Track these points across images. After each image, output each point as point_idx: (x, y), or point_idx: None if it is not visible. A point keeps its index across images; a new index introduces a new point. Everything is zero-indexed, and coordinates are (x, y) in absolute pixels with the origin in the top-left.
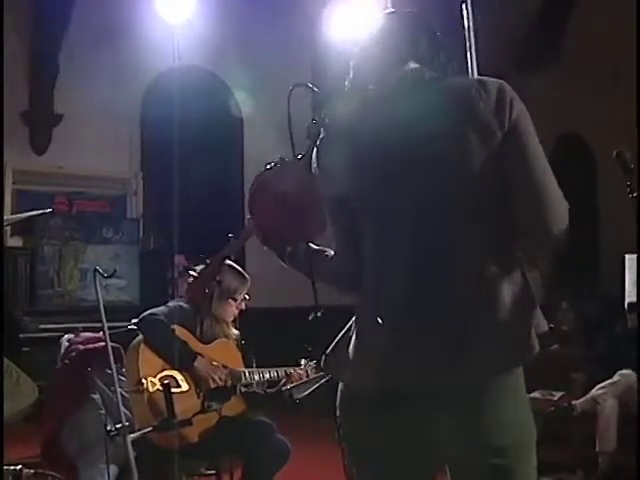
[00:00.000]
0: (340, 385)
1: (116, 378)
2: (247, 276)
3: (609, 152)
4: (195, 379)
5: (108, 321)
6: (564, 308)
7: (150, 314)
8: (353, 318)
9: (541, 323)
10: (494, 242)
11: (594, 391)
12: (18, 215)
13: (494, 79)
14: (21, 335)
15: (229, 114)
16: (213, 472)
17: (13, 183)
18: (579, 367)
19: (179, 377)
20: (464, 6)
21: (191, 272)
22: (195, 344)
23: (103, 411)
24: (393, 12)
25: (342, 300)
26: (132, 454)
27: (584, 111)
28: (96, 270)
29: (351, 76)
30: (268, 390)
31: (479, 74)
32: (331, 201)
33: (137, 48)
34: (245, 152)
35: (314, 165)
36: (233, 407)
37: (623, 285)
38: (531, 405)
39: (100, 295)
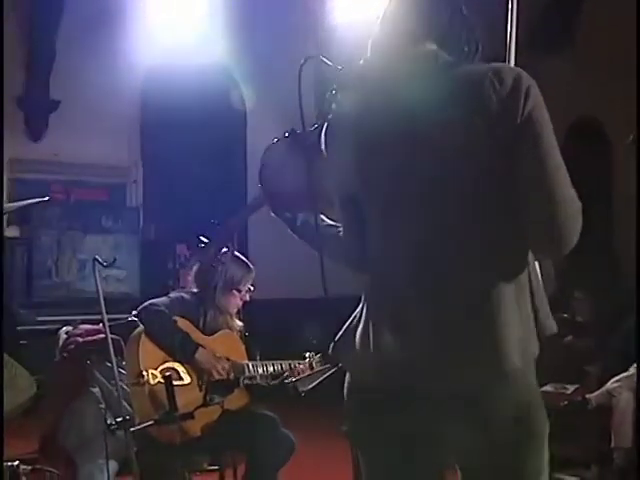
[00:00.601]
0: (347, 375)
1: (116, 371)
2: (252, 266)
3: (625, 137)
4: (197, 371)
5: (107, 313)
6: (578, 298)
7: (151, 304)
8: (361, 305)
9: (548, 325)
10: (500, 239)
11: (609, 384)
12: (14, 204)
13: (511, 67)
14: (18, 328)
15: (231, 100)
16: (216, 467)
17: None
18: (594, 359)
19: (181, 369)
20: None
21: (202, 239)
22: (197, 336)
23: (103, 405)
24: None
25: (350, 290)
26: (133, 449)
27: (599, 95)
28: (95, 259)
29: (368, 55)
30: (272, 383)
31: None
32: (337, 185)
33: (136, 32)
34: (248, 138)
35: (322, 145)
36: (236, 400)
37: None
38: (543, 399)
39: (100, 285)
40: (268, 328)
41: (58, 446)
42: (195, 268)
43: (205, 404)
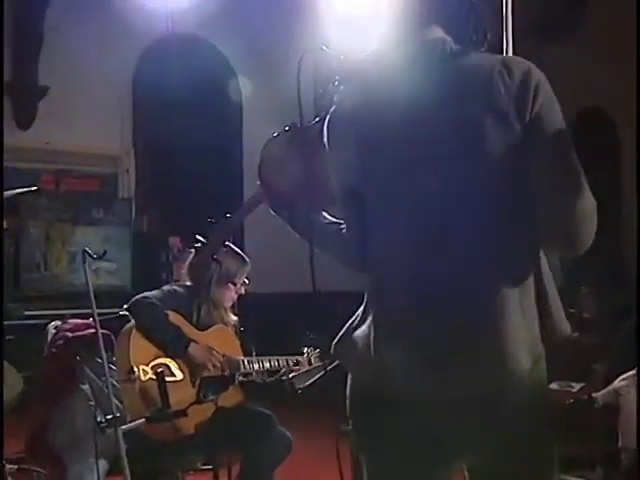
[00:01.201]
0: (349, 377)
1: (107, 367)
2: (247, 259)
3: (634, 126)
4: (190, 367)
5: (98, 307)
6: (585, 293)
7: (142, 297)
8: (363, 304)
9: (562, 327)
10: (506, 240)
11: (616, 382)
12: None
13: (521, 60)
14: (5, 322)
15: (227, 87)
16: (210, 467)
17: None
18: (600, 357)
19: (173, 365)
20: None
21: (199, 238)
22: (190, 331)
23: (93, 402)
24: None
25: (344, 285)
26: (123, 447)
27: (609, 83)
28: (85, 251)
29: (373, 43)
30: (268, 380)
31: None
32: (339, 180)
33: (128, 15)
34: (244, 127)
35: (324, 139)
36: (231, 398)
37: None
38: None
39: (90, 279)
40: (264, 323)
41: (46, 445)
42: (189, 261)
43: (199, 401)
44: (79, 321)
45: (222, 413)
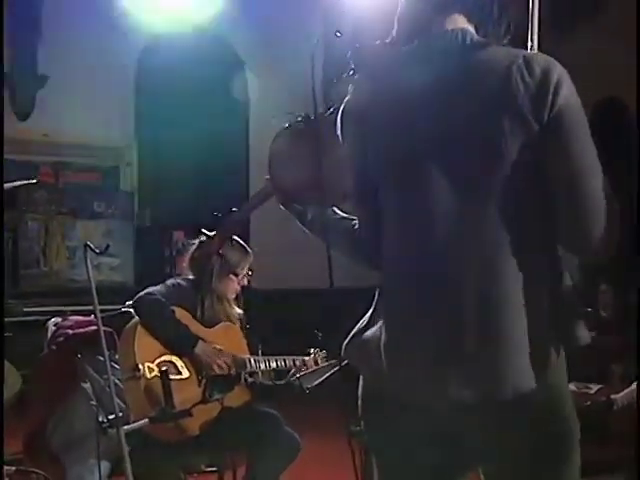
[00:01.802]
0: (361, 379)
1: (109, 365)
2: (249, 249)
3: None
4: (196, 366)
5: (99, 303)
6: (604, 291)
7: (147, 294)
8: (373, 305)
9: (580, 335)
10: (522, 241)
11: (636, 384)
12: None
13: (543, 57)
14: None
15: (233, 77)
16: (214, 469)
17: None
18: (619, 357)
19: (179, 363)
20: None
21: (205, 232)
22: (197, 328)
23: (94, 402)
24: None
25: (358, 283)
26: (126, 448)
27: (627, 72)
28: (87, 246)
29: (393, 29)
30: (275, 380)
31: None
32: (352, 175)
33: (132, 3)
34: (251, 118)
35: (338, 129)
36: (236, 397)
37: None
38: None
39: (91, 274)
40: (271, 320)
41: (45, 446)
42: (190, 253)
43: (204, 400)
44: (80, 318)
45: (228, 413)
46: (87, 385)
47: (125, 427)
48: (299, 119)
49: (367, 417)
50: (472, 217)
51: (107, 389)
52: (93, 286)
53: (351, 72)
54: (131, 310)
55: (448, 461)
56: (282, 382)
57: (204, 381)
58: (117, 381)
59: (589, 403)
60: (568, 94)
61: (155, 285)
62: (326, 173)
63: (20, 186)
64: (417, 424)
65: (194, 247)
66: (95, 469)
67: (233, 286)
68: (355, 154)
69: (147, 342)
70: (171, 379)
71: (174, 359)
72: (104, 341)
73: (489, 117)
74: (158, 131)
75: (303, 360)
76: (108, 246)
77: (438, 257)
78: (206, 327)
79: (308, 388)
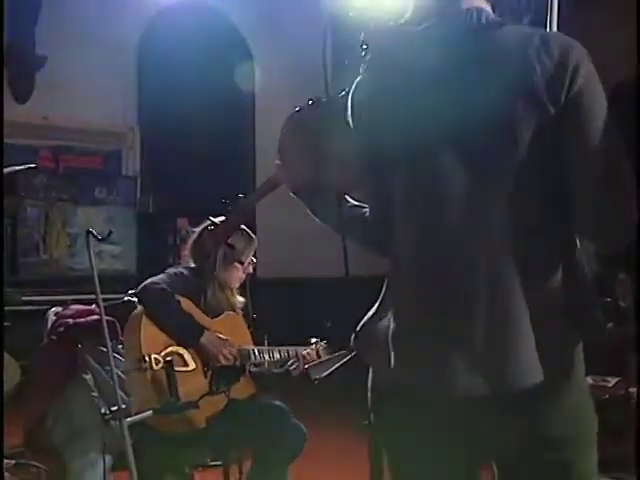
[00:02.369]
0: (370, 370)
1: (111, 356)
2: (253, 236)
3: None
4: (202, 357)
5: (101, 292)
6: (622, 280)
7: (152, 283)
8: (382, 294)
9: (598, 326)
10: (537, 229)
11: None
12: None
13: (561, 36)
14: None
15: (238, 58)
16: (219, 463)
17: None
18: (638, 349)
19: (185, 354)
20: None
21: (212, 220)
22: (201, 318)
23: (95, 393)
24: None
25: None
26: (129, 442)
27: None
28: (89, 232)
29: (408, 8)
30: (279, 371)
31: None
32: (363, 160)
33: None
34: (257, 100)
35: (348, 111)
36: (242, 389)
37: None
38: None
39: (93, 261)
40: (276, 309)
41: (45, 439)
42: (192, 240)
43: (211, 392)
44: (81, 307)
45: (234, 405)
46: (88, 376)
47: (128, 419)
48: (310, 102)
49: (377, 410)
50: (485, 202)
51: (109, 380)
52: (95, 274)
53: (363, 53)
54: (134, 299)
55: (460, 454)
56: (280, 371)
57: (210, 372)
58: (120, 372)
59: (607, 397)
60: (587, 76)
61: (158, 274)
62: (338, 158)
63: (19, 171)
64: (428, 416)
65: (196, 235)
66: (96, 463)
67: (238, 274)
68: (366, 138)
69: (153, 333)
70: (177, 371)
71: (181, 350)
72: (107, 331)
73: (503, 99)
74: (162, 114)
75: (305, 350)
76: (111, 232)
77: (449, 243)
78: (209, 317)
79: (317, 379)
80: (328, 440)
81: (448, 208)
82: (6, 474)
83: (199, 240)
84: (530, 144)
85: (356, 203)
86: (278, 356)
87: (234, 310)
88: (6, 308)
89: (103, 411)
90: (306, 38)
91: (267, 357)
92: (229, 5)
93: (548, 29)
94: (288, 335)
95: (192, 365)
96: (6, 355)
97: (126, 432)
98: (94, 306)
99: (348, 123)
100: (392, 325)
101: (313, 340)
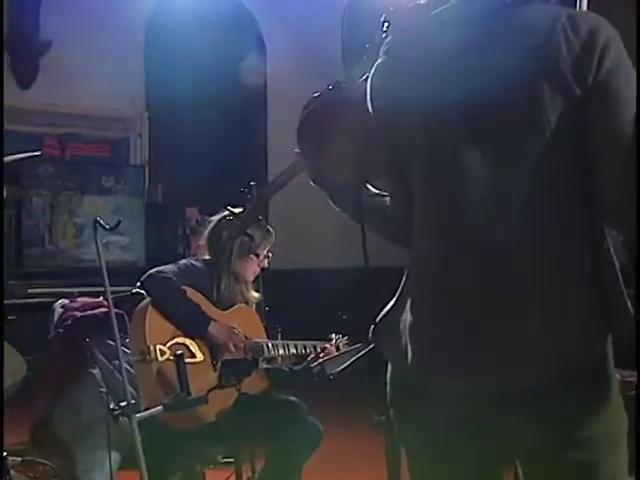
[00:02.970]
0: (389, 365)
1: (120, 350)
2: (271, 229)
3: None
4: (210, 348)
5: (109, 284)
6: None
7: (157, 271)
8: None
9: (626, 319)
10: (560, 217)
11: None
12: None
13: (590, 15)
14: (6, 301)
15: (249, 40)
16: (231, 460)
17: None
18: None
19: (192, 345)
20: None
21: (230, 209)
22: (210, 309)
23: (104, 388)
24: None
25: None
26: (139, 438)
27: None
28: (97, 222)
29: None
30: (294, 367)
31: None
32: (383, 148)
33: None
34: (268, 85)
35: (368, 95)
36: (254, 384)
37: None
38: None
39: (101, 252)
40: (290, 301)
41: (52, 435)
42: (208, 230)
43: (220, 386)
44: (89, 299)
45: (245, 400)
46: (96, 371)
47: (137, 415)
48: (330, 87)
49: (395, 405)
50: (507, 189)
51: (117, 375)
52: (103, 265)
53: (384, 35)
54: (142, 291)
55: (481, 452)
56: (299, 368)
57: (219, 365)
58: (128, 367)
59: (634, 392)
60: (617, 57)
61: (167, 264)
62: (359, 145)
63: (23, 159)
64: (447, 412)
65: (213, 225)
66: (105, 460)
67: (253, 268)
68: (386, 122)
69: (159, 323)
70: (186, 363)
71: (187, 341)
72: (116, 324)
73: (528, 82)
74: (171, 100)
75: (324, 346)
76: (120, 222)
77: (470, 233)
78: (220, 309)
79: (332, 374)
80: (344, 437)
81: (470, 195)
82: (12, 472)
83: (216, 230)
84: (555, 126)
85: (377, 192)
86: (294, 351)
87: (247, 304)
88: (11, 301)
89: (112, 406)
90: (320, 19)
91: (282, 352)
92: None
93: (577, 8)
94: (303, 328)
95: (200, 356)
96: (10, 347)
97: (136, 428)
98: (102, 298)
99: (368, 109)
100: (410, 318)
101: (333, 336)
